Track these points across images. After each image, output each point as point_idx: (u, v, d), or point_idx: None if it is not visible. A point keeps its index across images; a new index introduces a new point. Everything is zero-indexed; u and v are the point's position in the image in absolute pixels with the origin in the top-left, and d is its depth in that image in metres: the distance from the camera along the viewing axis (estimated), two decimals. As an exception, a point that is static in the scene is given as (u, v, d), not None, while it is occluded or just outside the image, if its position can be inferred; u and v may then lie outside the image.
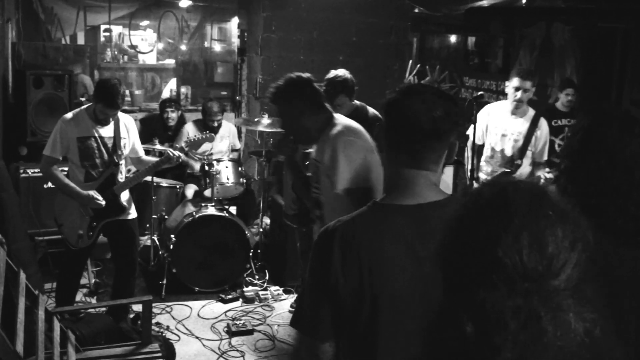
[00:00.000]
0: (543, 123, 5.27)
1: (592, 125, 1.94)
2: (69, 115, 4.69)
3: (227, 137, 6.87)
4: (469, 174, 5.25)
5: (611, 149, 1.86)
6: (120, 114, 4.77)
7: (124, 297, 4.85)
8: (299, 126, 3.36)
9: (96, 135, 4.67)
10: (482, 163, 5.48)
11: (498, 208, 1.05)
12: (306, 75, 3.45)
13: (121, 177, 4.82)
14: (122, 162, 4.85)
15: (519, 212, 1.03)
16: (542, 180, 4.93)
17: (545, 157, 5.28)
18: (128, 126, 4.85)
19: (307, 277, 1.90)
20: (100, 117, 4.63)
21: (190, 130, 6.64)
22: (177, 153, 4.90)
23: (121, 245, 4.91)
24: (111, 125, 4.72)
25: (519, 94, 5.14)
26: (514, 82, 5.13)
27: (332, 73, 5.10)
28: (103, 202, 4.65)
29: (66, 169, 4.82)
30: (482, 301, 0.97)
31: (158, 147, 5.85)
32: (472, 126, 5.30)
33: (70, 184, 4.64)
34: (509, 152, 5.28)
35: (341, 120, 3.37)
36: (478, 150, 5.52)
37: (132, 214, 4.92)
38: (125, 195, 4.85)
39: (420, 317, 1.10)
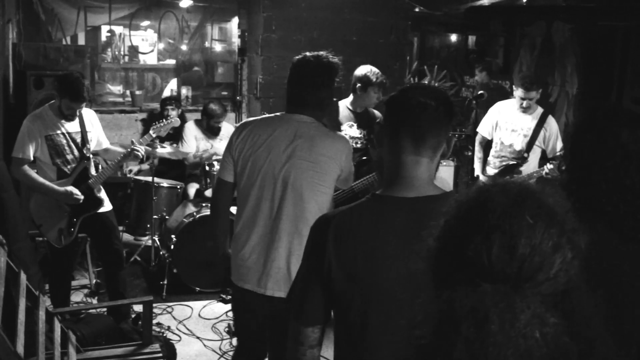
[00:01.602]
0: (551, 121, 5.47)
1: (602, 124, 1.94)
2: (34, 113, 4.67)
3: (227, 138, 6.86)
4: (470, 172, 5.34)
5: (626, 148, 1.87)
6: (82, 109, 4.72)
7: (118, 291, 4.87)
8: None
9: (64, 131, 4.65)
10: (491, 157, 5.64)
11: (476, 207, 1.05)
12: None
13: (93, 171, 4.81)
14: (92, 155, 4.83)
15: (494, 213, 1.01)
16: (544, 173, 5.07)
17: (559, 152, 5.41)
18: (92, 120, 4.85)
19: (301, 262, 1.93)
20: (67, 112, 4.59)
21: (192, 129, 6.65)
22: (142, 149, 4.84)
23: (103, 239, 4.90)
24: (77, 120, 4.69)
25: (524, 102, 5.36)
26: (519, 92, 5.33)
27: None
28: (81, 197, 4.64)
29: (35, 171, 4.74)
30: (445, 299, 0.97)
31: (159, 149, 5.86)
32: (478, 124, 5.41)
33: (45, 182, 4.60)
34: (518, 147, 5.48)
35: None
36: (487, 145, 5.66)
37: (107, 206, 4.91)
38: (98, 188, 4.83)
39: (410, 312, 1.10)
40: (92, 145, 4.84)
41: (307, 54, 3.22)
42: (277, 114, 3.21)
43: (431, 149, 1.87)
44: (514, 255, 0.97)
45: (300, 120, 3.05)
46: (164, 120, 5.21)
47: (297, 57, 3.23)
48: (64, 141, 4.66)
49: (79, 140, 4.72)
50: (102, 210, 4.83)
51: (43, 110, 4.68)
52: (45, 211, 4.71)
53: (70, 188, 4.61)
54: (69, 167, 4.69)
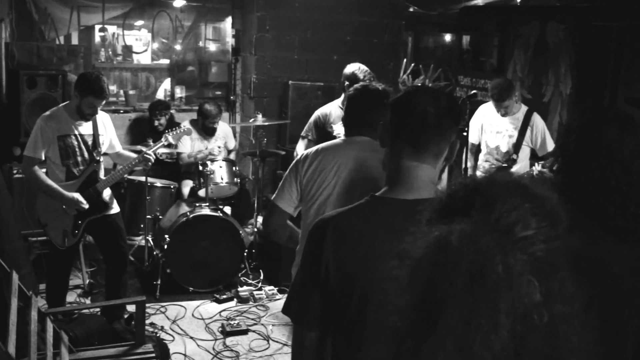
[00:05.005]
0: (536, 119, 5.41)
1: (590, 124, 1.94)
2: (48, 113, 4.65)
3: (222, 137, 6.86)
4: (464, 173, 5.32)
5: (610, 148, 1.86)
6: None
7: (118, 294, 4.85)
8: None
9: (76, 133, 4.64)
10: (480, 161, 5.61)
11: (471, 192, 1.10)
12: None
13: (102, 174, 4.80)
14: (102, 159, 4.83)
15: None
16: (534, 174, 5.05)
17: (550, 150, 5.38)
18: (105, 123, 4.84)
19: (299, 264, 1.92)
20: (88, 111, 4.58)
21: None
22: (152, 154, 4.86)
23: (109, 241, 4.89)
24: (90, 123, 4.69)
25: (500, 111, 5.39)
26: (492, 104, 5.34)
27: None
28: (86, 206, 4.63)
29: (44, 170, 4.74)
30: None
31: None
32: (467, 126, 5.39)
33: (53, 185, 4.59)
34: (504, 148, 5.42)
35: None
36: (476, 149, 5.64)
37: (115, 208, 4.90)
38: (106, 191, 4.82)
39: None
40: (104, 149, 4.83)
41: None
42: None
43: (432, 156, 1.86)
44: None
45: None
46: (178, 129, 5.20)
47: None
48: (76, 143, 4.65)
49: (90, 142, 4.71)
50: (109, 212, 4.83)
51: (57, 111, 4.67)
52: (51, 211, 4.70)
53: (77, 195, 4.59)
54: (78, 168, 4.68)
